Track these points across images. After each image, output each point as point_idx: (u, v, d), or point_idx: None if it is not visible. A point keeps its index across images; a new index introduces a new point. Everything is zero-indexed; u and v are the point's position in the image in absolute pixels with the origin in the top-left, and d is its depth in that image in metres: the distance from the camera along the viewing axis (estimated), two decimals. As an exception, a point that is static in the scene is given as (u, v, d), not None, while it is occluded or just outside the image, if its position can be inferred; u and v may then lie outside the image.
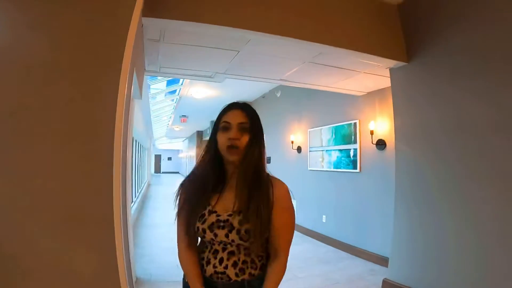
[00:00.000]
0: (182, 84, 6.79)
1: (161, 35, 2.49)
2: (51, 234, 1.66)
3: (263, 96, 7.61)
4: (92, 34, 1.81)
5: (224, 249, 1.14)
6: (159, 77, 6.42)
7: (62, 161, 1.69)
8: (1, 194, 1.59)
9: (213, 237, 1.12)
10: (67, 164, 1.69)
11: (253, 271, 1.13)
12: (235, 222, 1.10)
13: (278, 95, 6.69)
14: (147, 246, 4.80)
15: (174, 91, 8.15)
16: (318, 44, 2.53)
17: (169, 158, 30.03)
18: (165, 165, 29.92)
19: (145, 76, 4.08)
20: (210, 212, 1.14)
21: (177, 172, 28.05)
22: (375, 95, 4.29)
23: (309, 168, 5.65)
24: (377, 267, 3.91)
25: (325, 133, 5.24)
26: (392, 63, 3.06)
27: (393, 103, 3.28)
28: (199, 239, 1.21)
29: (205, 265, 1.16)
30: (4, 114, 1.61)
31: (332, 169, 5.05)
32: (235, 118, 1.14)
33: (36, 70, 1.69)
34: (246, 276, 1.13)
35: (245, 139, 1.12)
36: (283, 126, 6.68)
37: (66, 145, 1.71)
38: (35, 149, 1.65)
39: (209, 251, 1.16)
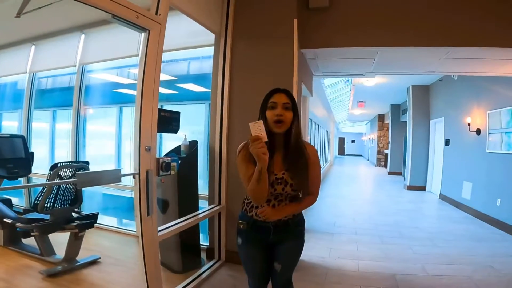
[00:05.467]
0: (351, 77, 7.56)
1: (315, 56, 3.58)
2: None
3: (441, 80, 7.34)
4: (276, 64, 3.08)
5: (275, 198, 1.52)
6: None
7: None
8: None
9: (272, 191, 1.48)
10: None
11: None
12: (287, 178, 1.47)
13: (455, 78, 6.32)
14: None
15: (348, 80, 9.03)
16: (436, 47, 2.88)
17: (353, 141, 30.63)
18: (348, 147, 30.80)
19: (314, 78, 5.29)
20: (270, 173, 1.44)
21: (360, 155, 28.40)
22: None
23: (487, 151, 5.26)
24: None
25: (504, 115, 4.77)
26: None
27: None
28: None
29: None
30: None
31: (512, 153, 4.60)
32: (280, 99, 1.45)
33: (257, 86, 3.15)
34: (290, 216, 1.55)
35: (288, 115, 1.44)
36: (460, 108, 6.31)
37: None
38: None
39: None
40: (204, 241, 3.39)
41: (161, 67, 1.93)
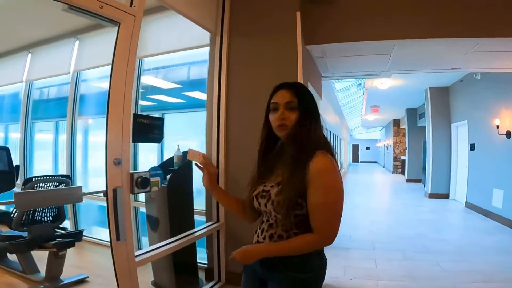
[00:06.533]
0: (364, 78, 7.17)
1: (323, 53, 3.23)
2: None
3: (461, 80, 6.89)
4: (278, 62, 2.74)
5: (267, 221, 1.18)
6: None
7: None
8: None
9: (259, 206, 1.19)
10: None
11: None
12: (273, 192, 1.12)
13: (478, 77, 5.85)
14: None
15: (360, 84, 8.63)
16: (463, 39, 2.48)
17: (367, 148, 29.97)
18: (362, 154, 30.13)
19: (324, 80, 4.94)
20: (261, 183, 1.20)
21: (375, 162, 27.61)
22: None
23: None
24: None
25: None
26: None
27: None
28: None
29: (254, 233, 1.24)
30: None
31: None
32: (282, 98, 1.15)
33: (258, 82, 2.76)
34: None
35: (292, 117, 1.12)
36: (486, 110, 5.82)
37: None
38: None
39: (260, 221, 1.24)
40: (203, 258, 3.06)
41: (135, 65, 1.64)
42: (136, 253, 1.87)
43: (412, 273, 3.20)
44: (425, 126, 8.72)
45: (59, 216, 2.67)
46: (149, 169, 1.79)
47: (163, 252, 2.08)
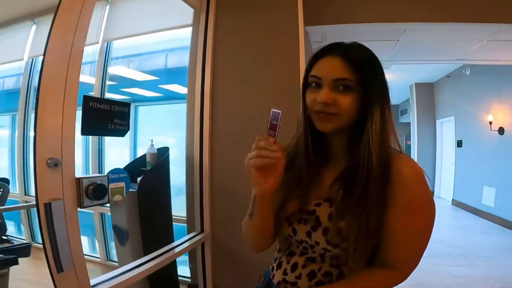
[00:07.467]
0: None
1: (323, 37, 2.85)
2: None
3: (448, 76, 6.74)
4: (274, 45, 2.33)
5: (303, 253, 0.78)
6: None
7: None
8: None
9: (291, 234, 0.78)
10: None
11: None
12: (324, 215, 0.73)
13: (467, 73, 5.70)
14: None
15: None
16: (485, 24, 2.18)
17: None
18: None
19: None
20: (294, 197, 0.78)
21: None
22: None
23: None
24: None
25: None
26: None
27: None
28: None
29: (275, 268, 0.83)
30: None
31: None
32: (329, 70, 0.71)
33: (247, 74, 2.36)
34: None
35: (345, 102, 0.70)
36: (476, 105, 5.69)
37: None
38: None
39: (284, 251, 0.83)
40: (186, 269, 2.63)
41: (86, 31, 1.15)
42: (93, 282, 1.39)
43: (419, 281, 2.91)
44: (407, 123, 8.59)
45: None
46: (109, 172, 1.31)
47: (133, 278, 1.61)
